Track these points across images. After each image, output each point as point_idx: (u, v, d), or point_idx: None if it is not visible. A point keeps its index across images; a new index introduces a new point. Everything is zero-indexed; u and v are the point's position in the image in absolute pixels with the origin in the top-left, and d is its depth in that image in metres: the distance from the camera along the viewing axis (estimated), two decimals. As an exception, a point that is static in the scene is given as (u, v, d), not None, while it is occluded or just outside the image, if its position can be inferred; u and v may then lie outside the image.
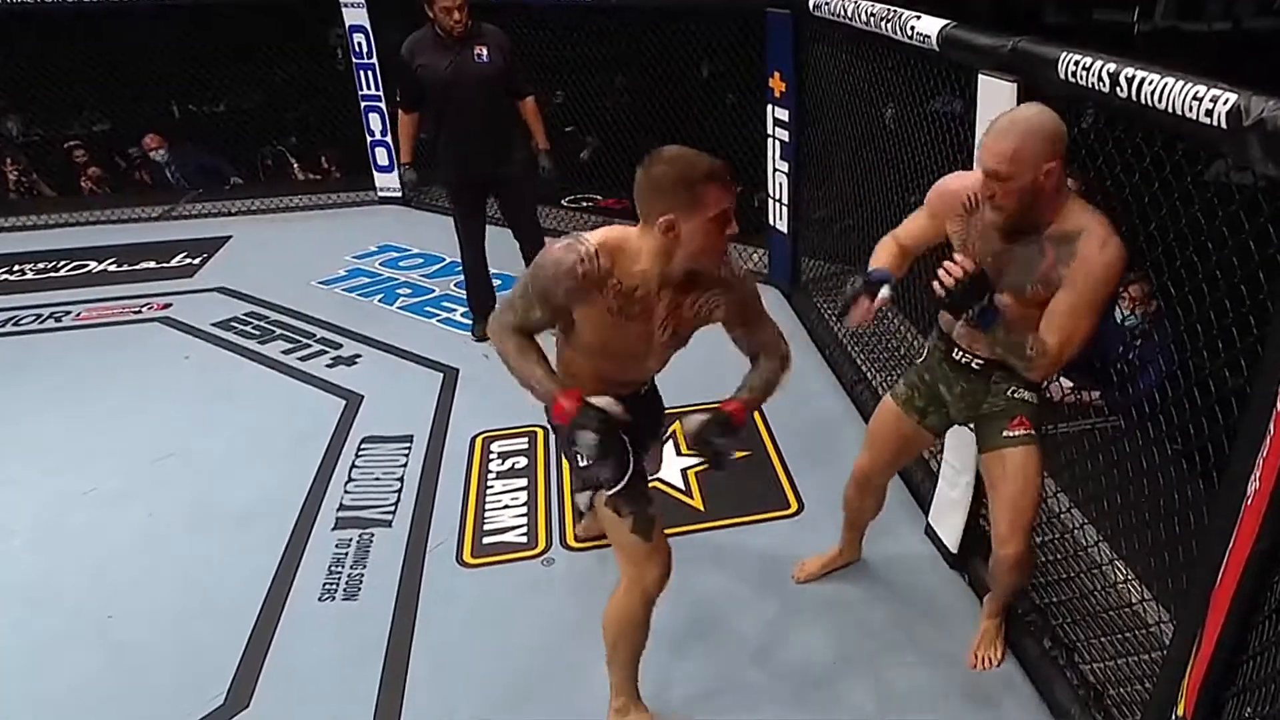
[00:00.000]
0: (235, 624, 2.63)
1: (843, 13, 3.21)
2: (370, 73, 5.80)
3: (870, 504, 2.46)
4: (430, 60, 3.71)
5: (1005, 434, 2.04)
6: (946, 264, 1.76)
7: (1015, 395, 1.99)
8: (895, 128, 3.24)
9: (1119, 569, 2.17)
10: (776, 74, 4.08)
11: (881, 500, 2.45)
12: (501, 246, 4.17)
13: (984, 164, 1.79)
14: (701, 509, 2.98)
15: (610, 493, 1.91)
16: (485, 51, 3.73)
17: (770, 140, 4.25)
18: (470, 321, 4.29)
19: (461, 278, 4.26)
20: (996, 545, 2.10)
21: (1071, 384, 3.27)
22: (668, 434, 2.99)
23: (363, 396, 3.80)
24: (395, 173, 5.97)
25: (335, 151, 6.65)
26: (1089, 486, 2.32)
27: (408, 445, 3.44)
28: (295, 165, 6.86)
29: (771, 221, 4.42)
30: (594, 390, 1.85)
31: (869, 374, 3.54)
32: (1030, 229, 1.81)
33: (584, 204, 5.89)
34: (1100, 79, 1.74)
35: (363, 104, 5.90)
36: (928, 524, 2.80)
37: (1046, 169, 1.73)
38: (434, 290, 4.86)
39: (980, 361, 2.02)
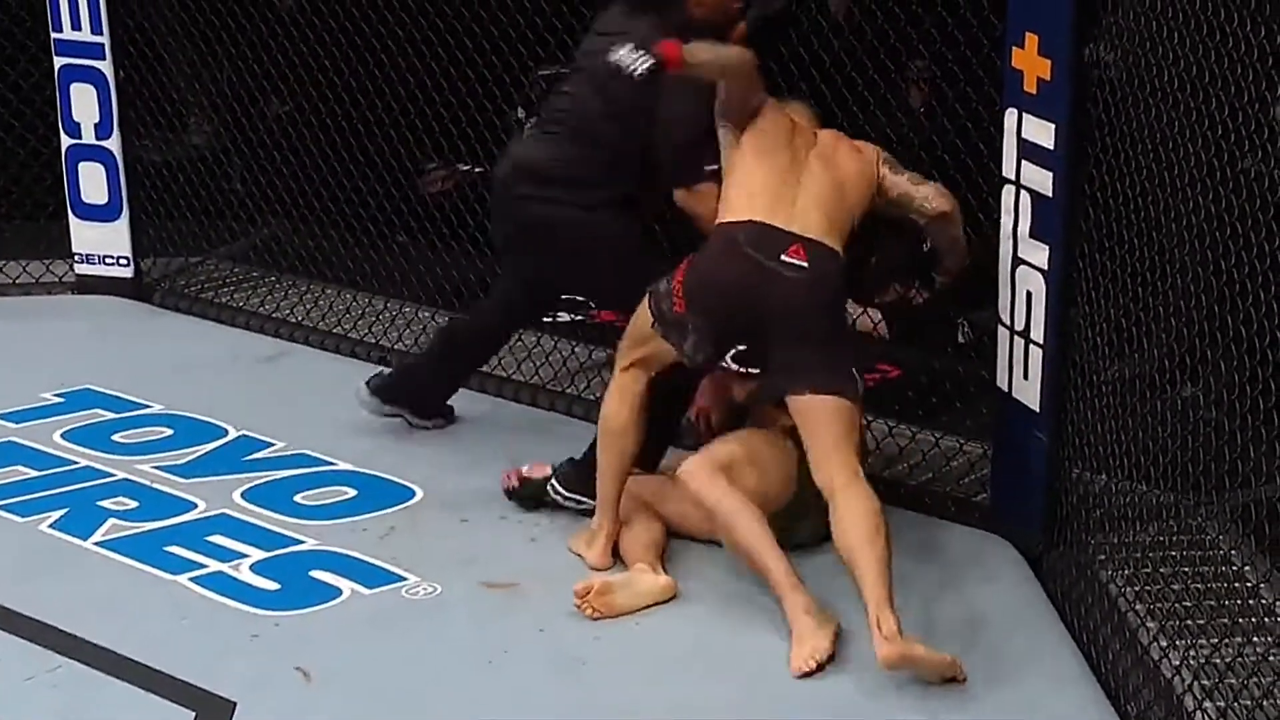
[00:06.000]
0: None
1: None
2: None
3: None
4: None
5: None
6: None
7: None
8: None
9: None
10: (1030, 40, 4.00)
11: None
12: None
13: None
14: None
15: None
16: None
17: (1010, 191, 4.19)
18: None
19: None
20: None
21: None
22: None
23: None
24: (124, 220, 6.16)
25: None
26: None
27: None
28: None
29: (1002, 383, 4.38)
30: None
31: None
32: None
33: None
34: None
35: (57, 63, 6.00)
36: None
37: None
38: (197, 503, 4.72)
39: None
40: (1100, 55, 4.00)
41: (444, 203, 6.13)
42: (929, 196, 4.12)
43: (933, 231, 4.22)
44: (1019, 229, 4.13)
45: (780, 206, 3.83)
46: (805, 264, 3.74)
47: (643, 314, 3.94)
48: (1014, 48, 4.03)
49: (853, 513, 3.66)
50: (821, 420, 3.77)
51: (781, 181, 3.89)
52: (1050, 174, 3.98)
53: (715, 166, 4.08)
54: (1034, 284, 4.09)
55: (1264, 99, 3.41)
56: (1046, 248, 4.02)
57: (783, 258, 3.73)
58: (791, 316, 3.78)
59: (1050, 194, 3.98)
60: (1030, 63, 3.98)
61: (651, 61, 4.00)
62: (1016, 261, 4.14)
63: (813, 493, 4.03)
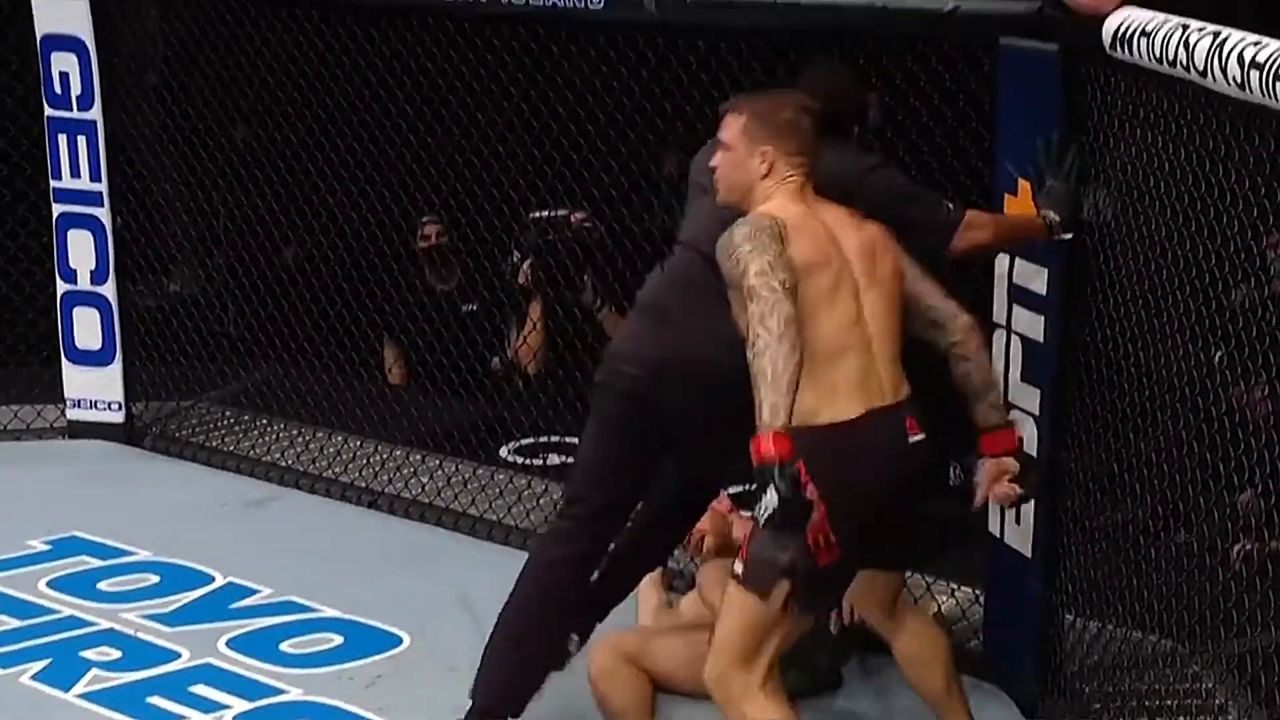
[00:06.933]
0: None
1: (1181, 61, 3.23)
2: (85, 139, 5.93)
3: None
4: None
5: None
6: None
7: None
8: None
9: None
10: (1024, 187, 4.03)
11: None
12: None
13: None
14: None
15: None
16: None
17: (1000, 336, 4.23)
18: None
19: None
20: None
21: None
22: None
23: None
24: (117, 364, 6.09)
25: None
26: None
27: None
28: None
29: (994, 528, 4.38)
30: None
31: None
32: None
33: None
34: None
35: (55, 210, 6.01)
36: None
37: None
38: (180, 653, 4.65)
39: None
40: (1092, 201, 4.01)
41: (435, 257, 6.36)
42: (959, 328, 3.52)
43: (954, 369, 3.59)
44: (1010, 373, 4.13)
45: (872, 371, 3.33)
46: (921, 436, 3.36)
47: (748, 605, 3.33)
48: (1006, 194, 4.04)
49: (935, 645, 3.77)
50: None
51: (858, 338, 3.32)
52: (1041, 319, 4.01)
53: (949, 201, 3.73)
54: (1025, 429, 4.04)
55: (1250, 248, 3.50)
56: (1038, 392, 4.04)
57: (910, 439, 3.36)
58: (915, 498, 3.55)
59: (1041, 339, 4.02)
60: (1023, 209, 3.98)
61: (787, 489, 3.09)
62: (1007, 406, 4.03)
63: (800, 643, 3.93)
